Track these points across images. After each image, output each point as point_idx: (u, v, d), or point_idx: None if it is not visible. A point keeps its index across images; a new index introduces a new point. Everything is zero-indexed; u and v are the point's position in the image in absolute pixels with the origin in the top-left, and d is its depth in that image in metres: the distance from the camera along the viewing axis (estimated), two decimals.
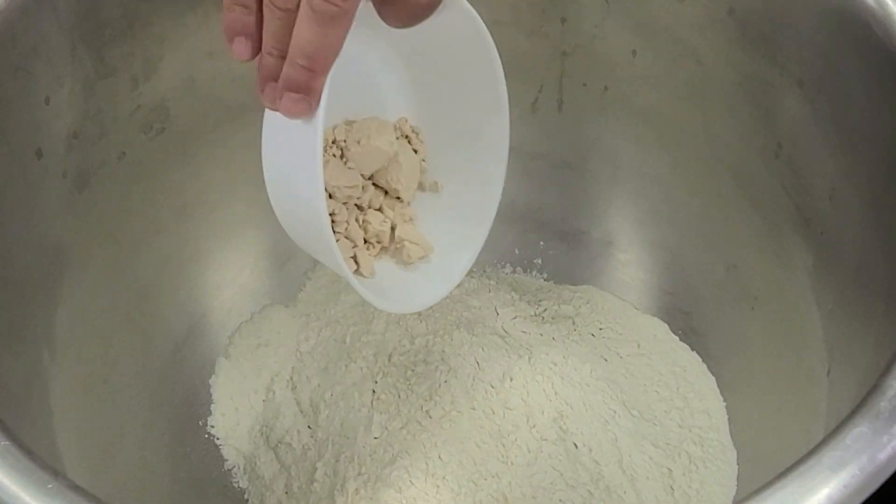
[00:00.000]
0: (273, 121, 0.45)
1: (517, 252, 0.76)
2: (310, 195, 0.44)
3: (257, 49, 0.43)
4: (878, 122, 0.53)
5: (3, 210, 0.53)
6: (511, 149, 0.75)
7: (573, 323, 0.70)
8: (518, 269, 0.76)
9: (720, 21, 0.60)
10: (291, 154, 0.45)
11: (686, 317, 0.71)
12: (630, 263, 0.74)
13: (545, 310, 0.72)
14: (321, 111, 0.43)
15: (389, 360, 0.67)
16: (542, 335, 0.69)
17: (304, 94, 0.42)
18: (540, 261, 0.76)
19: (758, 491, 0.36)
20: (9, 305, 0.52)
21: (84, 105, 0.58)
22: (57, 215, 0.57)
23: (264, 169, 0.47)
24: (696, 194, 0.69)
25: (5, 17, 0.53)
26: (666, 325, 0.72)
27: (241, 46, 0.43)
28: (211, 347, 0.70)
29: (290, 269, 0.75)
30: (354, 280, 0.48)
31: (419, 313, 0.70)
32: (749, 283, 0.67)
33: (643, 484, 0.62)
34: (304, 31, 0.41)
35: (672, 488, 0.62)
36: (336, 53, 0.42)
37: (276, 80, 0.43)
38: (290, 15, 0.41)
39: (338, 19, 0.41)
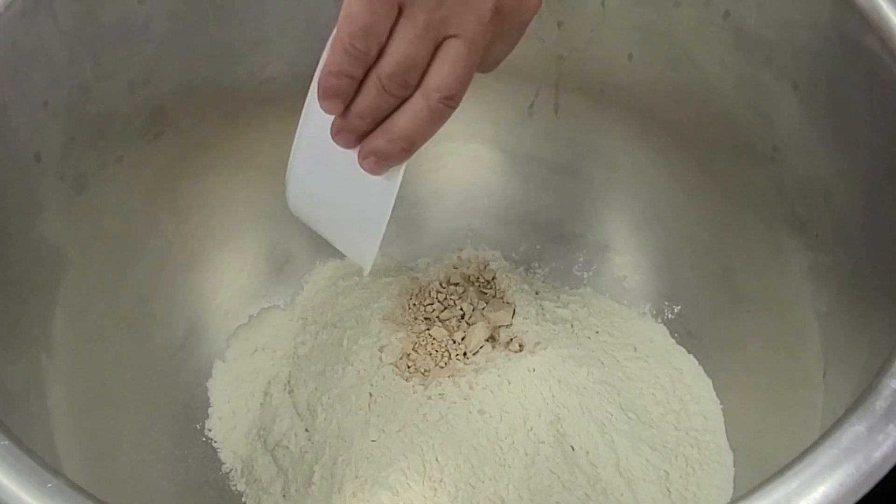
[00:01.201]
0: (326, 135, 0.47)
1: (514, 255, 0.77)
2: (371, 224, 0.51)
3: (343, 106, 0.45)
4: (873, 125, 0.53)
5: (2, 213, 0.52)
6: (508, 152, 0.76)
7: (571, 326, 0.70)
8: (516, 273, 0.76)
9: (715, 24, 0.60)
10: (356, 182, 0.48)
11: (682, 320, 0.71)
12: (627, 266, 0.75)
13: (543, 313, 0.72)
14: (402, 169, 0.47)
15: (386, 363, 0.67)
16: (539, 338, 0.69)
17: (391, 164, 0.46)
18: (537, 264, 0.76)
19: (755, 489, 0.36)
20: (7, 307, 0.52)
21: (82, 108, 0.58)
22: (55, 218, 0.57)
23: (299, 163, 0.51)
24: (692, 197, 0.69)
25: (4, 20, 0.53)
26: (663, 328, 0.72)
27: (335, 107, 0.45)
28: (208, 350, 0.71)
29: (288, 273, 0.75)
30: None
31: (415, 316, 0.70)
32: (745, 286, 0.67)
33: (640, 486, 0.62)
34: (412, 120, 0.44)
35: (669, 490, 0.63)
36: (429, 139, 0.45)
37: (354, 132, 0.45)
38: (399, 101, 0.44)
39: (447, 116, 0.44)
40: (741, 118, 0.62)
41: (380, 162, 0.46)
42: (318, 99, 0.45)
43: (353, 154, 0.47)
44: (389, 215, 0.49)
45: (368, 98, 0.44)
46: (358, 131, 0.45)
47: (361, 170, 0.47)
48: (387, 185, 0.48)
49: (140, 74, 0.61)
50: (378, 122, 0.45)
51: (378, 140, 0.45)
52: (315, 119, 0.48)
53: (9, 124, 0.53)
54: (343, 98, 0.44)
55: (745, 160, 0.64)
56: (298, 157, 0.51)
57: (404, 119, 0.44)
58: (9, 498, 0.37)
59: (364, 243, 0.53)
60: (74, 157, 0.58)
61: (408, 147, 0.45)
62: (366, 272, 0.56)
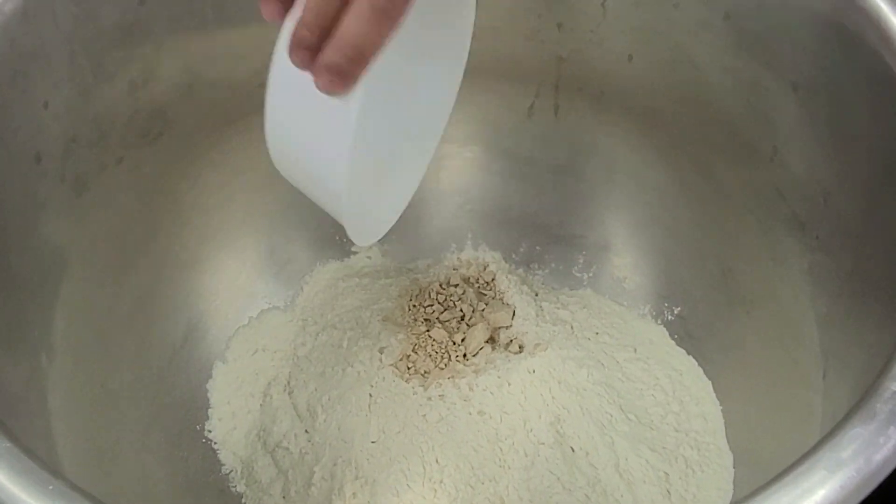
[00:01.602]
0: (292, 72, 0.45)
1: (514, 257, 0.77)
2: (334, 159, 0.46)
3: (285, 12, 0.44)
4: (873, 126, 0.53)
5: (2, 214, 0.52)
6: (507, 153, 0.76)
7: (570, 327, 0.71)
8: (515, 274, 0.76)
9: (715, 26, 0.61)
10: (319, 115, 0.46)
11: (682, 321, 0.71)
12: (626, 268, 0.75)
13: (543, 314, 0.72)
14: (360, 89, 0.44)
15: (386, 364, 0.67)
16: (539, 339, 0.69)
17: (345, 78, 0.43)
18: (536, 265, 0.76)
19: (755, 492, 0.36)
20: (8, 309, 0.52)
21: (82, 110, 0.58)
22: (55, 219, 0.57)
23: (272, 109, 0.47)
24: (692, 198, 0.69)
25: (4, 21, 0.53)
26: (662, 329, 0.72)
27: (273, 9, 0.44)
28: (208, 352, 0.71)
29: (288, 274, 0.75)
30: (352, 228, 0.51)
31: (415, 318, 0.70)
32: (744, 287, 0.67)
33: (640, 488, 0.62)
34: (358, 25, 0.42)
35: (669, 492, 0.63)
36: (382, 46, 0.43)
37: (308, 48, 0.43)
38: (341, 1, 0.42)
39: (394, 17, 0.42)
40: (741, 119, 0.62)
41: (333, 79, 0.43)
42: (260, 5, 0.44)
43: (314, 89, 0.44)
44: (350, 150, 0.45)
45: (311, 5, 0.43)
46: (310, 45, 0.43)
47: (323, 105, 0.45)
48: (345, 112, 0.45)
49: (140, 76, 0.61)
50: (326, 31, 0.43)
51: (327, 53, 0.43)
52: (280, 61, 0.45)
53: (9, 125, 0.53)
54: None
55: (744, 161, 0.64)
56: (269, 105, 0.48)
57: (348, 23, 0.42)
58: (10, 500, 0.37)
59: (334, 192, 0.48)
60: (74, 158, 0.58)
61: (355, 56, 0.43)
62: (354, 238, 0.52)
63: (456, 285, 0.72)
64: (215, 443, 0.67)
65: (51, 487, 0.37)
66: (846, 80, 0.55)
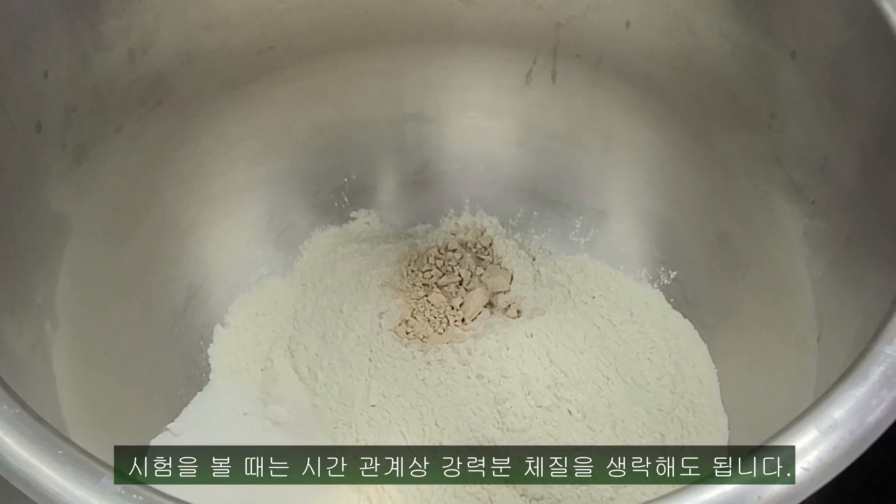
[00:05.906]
0: None
1: (511, 222, 0.77)
2: None
3: None
4: (870, 93, 0.53)
5: (4, 183, 0.53)
6: (504, 120, 0.76)
7: (567, 291, 0.71)
8: (513, 239, 0.77)
9: None
10: None
11: (678, 285, 0.72)
12: (623, 233, 0.75)
13: (540, 278, 0.72)
14: None
15: (385, 329, 0.68)
16: (536, 303, 0.69)
17: None
18: (534, 230, 0.77)
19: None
20: (11, 277, 0.52)
21: (82, 78, 0.58)
22: (57, 188, 0.57)
23: None
24: (689, 164, 0.69)
25: None
26: (659, 293, 0.72)
27: None
28: (209, 317, 0.71)
29: (287, 239, 0.75)
30: None
31: (413, 283, 0.71)
32: (741, 252, 0.67)
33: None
34: None
35: None
36: None
37: None
38: None
39: None
40: (738, 86, 0.62)
41: None
42: None
43: None
44: None
45: None
46: None
47: None
48: None
49: (139, 44, 0.61)
50: None
51: None
52: None
53: (9, 95, 0.53)
54: None
55: (742, 127, 0.64)
56: None
57: None
58: (20, 464, 0.37)
59: None
60: (75, 126, 0.58)
61: None
62: None
63: (454, 250, 0.73)
64: None
65: (60, 452, 0.37)
66: (844, 46, 0.55)
